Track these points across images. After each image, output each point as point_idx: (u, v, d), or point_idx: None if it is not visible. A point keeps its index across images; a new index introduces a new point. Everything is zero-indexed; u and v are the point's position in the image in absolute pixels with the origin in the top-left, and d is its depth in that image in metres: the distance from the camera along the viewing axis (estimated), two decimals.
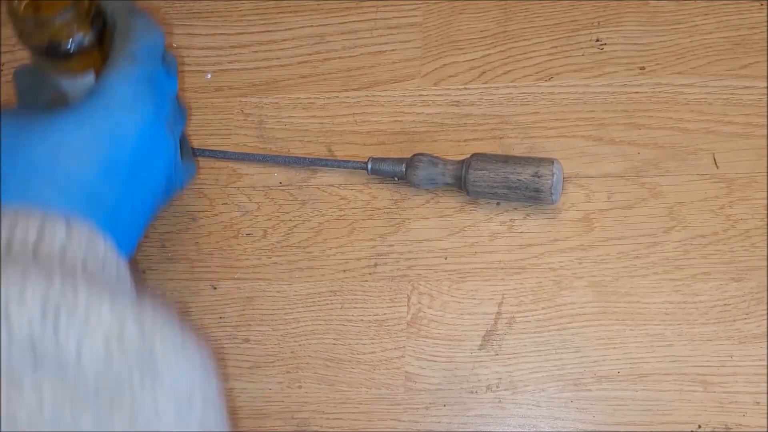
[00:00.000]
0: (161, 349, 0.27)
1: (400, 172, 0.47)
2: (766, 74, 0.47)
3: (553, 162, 0.43)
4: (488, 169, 0.44)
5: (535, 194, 0.44)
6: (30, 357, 0.24)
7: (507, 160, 0.44)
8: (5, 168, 0.31)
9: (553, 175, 0.43)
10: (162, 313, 0.29)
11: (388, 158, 0.47)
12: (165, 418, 0.26)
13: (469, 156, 0.45)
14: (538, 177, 0.43)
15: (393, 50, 0.52)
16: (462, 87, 0.50)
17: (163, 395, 0.26)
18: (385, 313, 0.46)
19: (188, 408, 0.27)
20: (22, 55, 0.58)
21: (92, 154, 0.33)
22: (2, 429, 0.23)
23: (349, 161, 0.49)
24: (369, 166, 0.47)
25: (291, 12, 0.55)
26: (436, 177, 0.46)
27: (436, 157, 0.46)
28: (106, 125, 0.33)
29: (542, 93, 0.49)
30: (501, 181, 0.44)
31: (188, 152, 0.44)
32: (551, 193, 0.43)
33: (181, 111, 0.41)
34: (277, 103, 0.52)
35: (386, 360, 0.45)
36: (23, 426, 0.23)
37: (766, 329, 0.43)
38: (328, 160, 0.49)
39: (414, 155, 0.46)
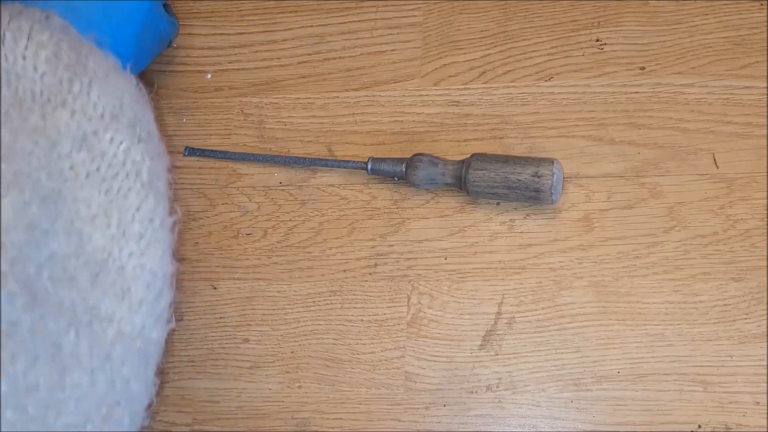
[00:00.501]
0: (93, 65, 0.34)
1: (400, 172, 0.47)
2: (766, 74, 0.47)
3: (553, 162, 0.43)
4: (488, 169, 0.44)
5: (535, 194, 0.44)
6: None
7: (507, 160, 0.44)
8: None
9: (553, 175, 0.43)
10: (100, 51, 0.35)
11: (388, 158, 0.47)
12: (100, 114, 0.33)
13: (469, 156, 0.45)
14: (538, 177, 0.43)
15: (393, 50, 0.52)
16: (462, 87, 0.50)
17: (96, 94, 0.33)
18: (385, 313, 0.46)
19: (120, 110, 0.34)
20: None
21: None
22: None
23: (349, 161, 0.49)
24: (369, 166, 0.47)
25: (291, 12, 0.55)
26: (436, 177, 0.46)
27: (436, 157, 0.46)
28: None
29: (542, 93, 0.49)
30: (501, 181, 0.44)
31: (170, 10, 0.52)
32: (551, 193, 0.43)
33: None
34: (277, 103, 0.52)
35: (386, 360, 0.45)
36: None
37: (766, 329, 0.43)
38: (328, 160, 0.49)
39: (414, 155, 0.46)
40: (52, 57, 0.32)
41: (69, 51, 0.33)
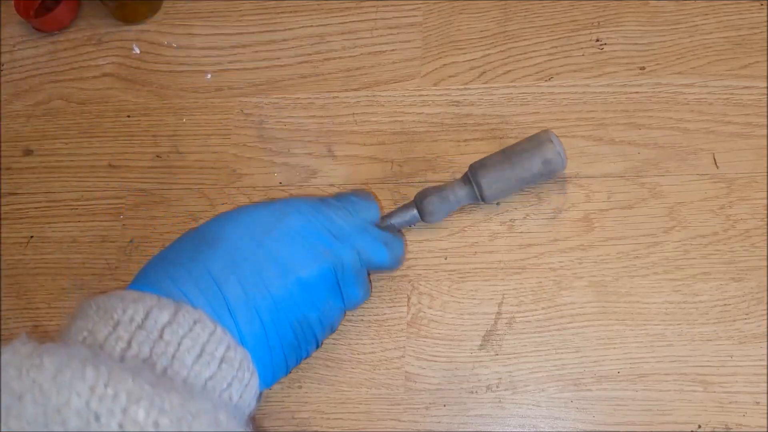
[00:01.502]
0: None
1: (414, 218, 0.46)
2: (766, 74, 0.47)
3: (551, 140, 0.43)
4: (501, 181, 0.44)
5: (549, 174, 0.45)
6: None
7: (511, 161, 0.44)
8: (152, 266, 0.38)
9: (558, 154, 0.43)
10: (208, 401, 0.31)
11: (394, 212, 0.46)
12: None
13: (469, 171, 0.45)
14: (548, 162, 0.44)
15: (393, 50, 0.52)
16: (462, 87, 0.50)
17: None
18: (385, 313, 0.46)
19: None
20: (21, 55, 0.58)
21: (224, 257, 0.38)
22: None
23: None
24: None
25: (291, 12, 0.55)
26: (452, 207, 0.46)
27: (441, 190, 0.45)
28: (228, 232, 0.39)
29: (542, 93, 0.49)
30: (516, 182, 0.44)
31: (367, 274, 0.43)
32: (563, 166, 0.44)
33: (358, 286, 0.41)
34: (277, 103, 0.52)
35: (386, 360, 0.45)
36: None
37: (766, 329, 0.42)
38: None
39: (420, 200, 0.45)
40: None
41: (168, 422, 0.28)
